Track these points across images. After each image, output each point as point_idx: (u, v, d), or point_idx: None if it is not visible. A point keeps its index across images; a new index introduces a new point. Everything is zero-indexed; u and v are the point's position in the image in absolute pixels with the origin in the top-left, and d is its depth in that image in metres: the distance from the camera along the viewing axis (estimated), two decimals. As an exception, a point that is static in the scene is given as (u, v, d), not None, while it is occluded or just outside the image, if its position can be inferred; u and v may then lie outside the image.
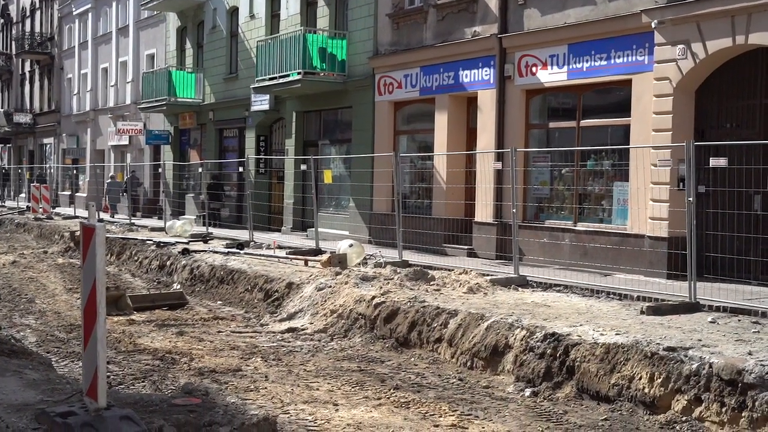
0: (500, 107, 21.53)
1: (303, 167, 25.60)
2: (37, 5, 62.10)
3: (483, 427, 9.34)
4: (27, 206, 44.03)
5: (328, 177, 24.71)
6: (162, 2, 38.15)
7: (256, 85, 30.04)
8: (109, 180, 42.30)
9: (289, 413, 9.67)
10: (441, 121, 23.52)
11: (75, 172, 48.40)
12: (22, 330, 14.85)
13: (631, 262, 17.36)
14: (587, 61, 19.32)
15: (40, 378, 7.90)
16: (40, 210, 39.67)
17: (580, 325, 11.78)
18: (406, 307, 13.96)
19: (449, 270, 17.69)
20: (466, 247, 21.67)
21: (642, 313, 12.88)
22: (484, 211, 21.51)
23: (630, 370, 10.17)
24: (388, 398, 10.41)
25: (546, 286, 16.09)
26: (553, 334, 11.31)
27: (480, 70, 22.13)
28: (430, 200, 23.54)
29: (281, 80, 28.32)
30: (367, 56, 26.45)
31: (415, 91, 24.55)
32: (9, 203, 51.69)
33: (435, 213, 23.00)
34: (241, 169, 30.18)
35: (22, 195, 52.13)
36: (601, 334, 11.05)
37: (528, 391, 10.80)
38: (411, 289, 15.36)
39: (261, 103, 31.88)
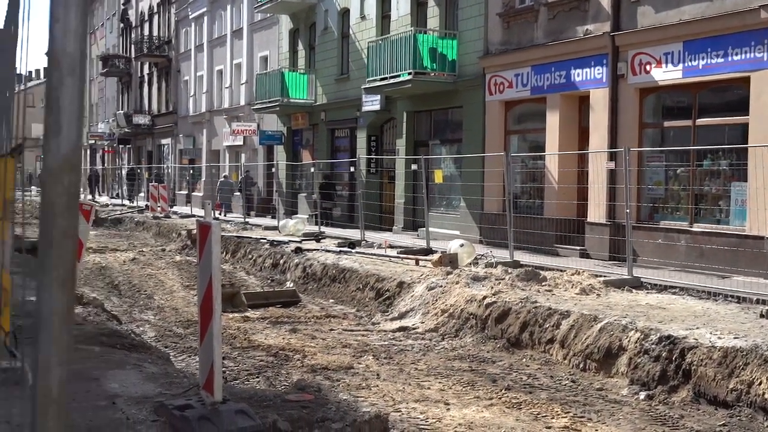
0: (613, 106, 21.18)
1: (414, 167, 25.62)
2: (155, 10, 63.66)
3: (596, 430, 9.18)
4: (146, 205, 45.16)
5: (438, 177, 24.67)
6: (275, 5, 38.66)
7: (367, 85, 30.20)
8: (222, 179, 43.11)
9: (400, 411, 9.67)
10: (552, 121, 23.26)
11: (191, 171, 49.45)
12: (142, 325, 15.23)
13: (750, 265, 16.86)
14: (703, 59, 18.84)
15: (158, 371, 8.06)
16: (159, 209, 40.63)
17: (697, 328, 11.48)
18: (518, 308, 13.84)
19: (561, 271, 17.48)
20: (578, 247, 21.38)
21: (762, 316, 12.49)
22: (596, 212, 21.19)
23: (749, 374, 9.86)
24: (500, 398, 10.33)
25: (661, 288, 15.76)
26: (668, 337, 11.05)
27: (592, 68, 21.80)
28: (542, 200, 23.30)
29: (392, 80, 28.40)
30: (477, 56, 26.32)
31: (526, 91, 24.33)
32: (128, 202, 53.12)
33: (546, 213, 22.76)
34: (352, 169, 30.39)
35: (141, 194, 53.48)
36: (719, 338, 10.75)
37: (643, 395, 10.58)
38: (522, 289, 15.22)
39: (372, 104, 32.04)
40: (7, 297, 1.72)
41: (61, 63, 1.38)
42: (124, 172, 63.49)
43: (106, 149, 75.84)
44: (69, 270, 1.36)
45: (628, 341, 11.49)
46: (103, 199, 59.10)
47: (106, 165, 76.10)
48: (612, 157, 19.68)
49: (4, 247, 1.84)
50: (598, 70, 21.60)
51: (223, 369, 9.04)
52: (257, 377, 11.18)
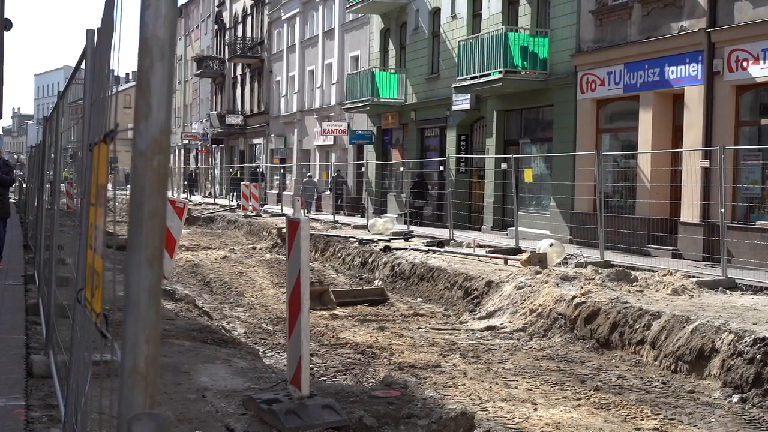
0: (708, 104, 20.78)
1: (503, 166, 25.51)
2: (249, 11, 64.50)
3: (687, 432, 9.04)
4: (238, 204, 45.79)
5: (528, 176, 24.52)
6: (366, 5, 38.86)
7: (458, 84, 30.16)
8: (306, 179, 43.51)
9: (487, 410, 9.66)
10: (645, 119, 22.92)
11: (282, 171, 49.98)
12: (232, 321, 15.47)
13: None
14: (803, 55, 18.37)
15: (247, 366, 8.19)
16: (250, 207, 41.16)
17: (793, 330, 11.21)
18: (608, 308, 13.69)
19: (653, 271, 17.23)
20: (670, 248, 21.04)
21: None
22: (690, 211, 20.82)
23: None
24: (588, 399, 10.24)
25: (756, 290, 15.41)
26: (763, 339, 10.81)
27: (687, 65, 21.42)
28: (634, 199, 22.97)
29: (482, 79, 28.31)
30: (569, 54, 26.08)
31: (619, 89, 24.02)
32: (220, 201, 53.91)
33: (638, 213, 22.44)
34: (441, 168, 30.37)
35: (234, 193, 54.22)
36: (817, 340, 10.48)
37: (736, 398, 10.37)
38: (613, 289, 15.05)
39: (462, 103, 31.99)
40: (99, 280, 1.79)
41: (152, 47, 1.43)
42: (216, 171, 64.46)
43: (199, 149, 77.12)
44: (157, 248, 1.41)
45: (722, 343, 11.28)
46: (196, 198, 60.09)
47: (199, 164, 77.37)
48: (707, 155, 19.32)
49: (96, 232, 1.91)
50: (693, 67, 21.22)
51: (311, 365, 9.14)
52: (344, 374, 11.27)
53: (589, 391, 10.61)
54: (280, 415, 5.99)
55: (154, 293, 1.40)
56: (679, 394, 10.69)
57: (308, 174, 44.75)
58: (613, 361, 12.55)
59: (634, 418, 9.53)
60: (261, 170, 51.02)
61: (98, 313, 1.83)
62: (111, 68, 2.66)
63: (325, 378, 10.90)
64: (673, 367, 11.83)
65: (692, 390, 10.86)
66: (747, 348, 10.84)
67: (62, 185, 12.30)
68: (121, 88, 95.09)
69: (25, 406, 6.34)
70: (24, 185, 33.36)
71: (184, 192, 65.06)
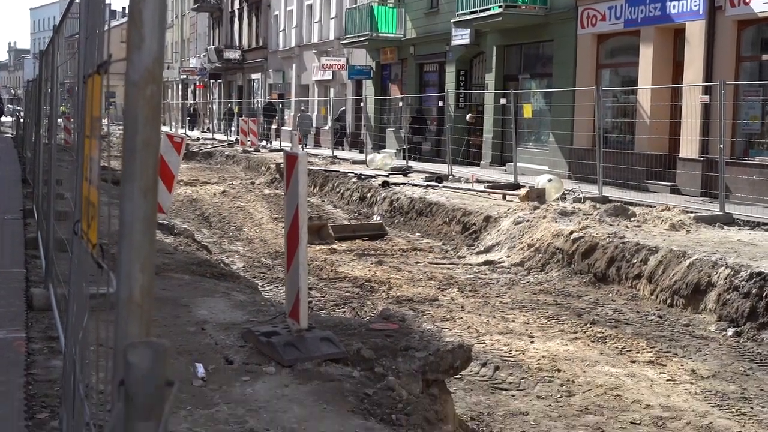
0: (709, 39, 20.62)
1: (503, 101, 25.40)
2: (246, -56, 63.70)
3: (682, 365, 9.14)
4: (236, 139, 45.66)
5: (527, 111, 24.41)
6: (365, -63, 38.39)
7: (457, 19, 29.89)
8: (301, 113, 43.35)
9: (484, 343, 9.75)
10: (646, 54, 22.77)
11: (281, 106, 49.74)
12: (231, 256, 15.53)
13: None
14: (806, -11, 18.18)
15: (246, 300, 8.24)
16: (248, 143, 41.04)
17: (789, 264, 11.27)
18: (605, 243, 13.73)
19: (651, 207, 17.25)
20: (669, 183, 21.04)
21: None
22: (689, 147, 20.79)
23: (842, 312, 9.67)
24: (584, 332, 10.33)
25: (753, 225, 15.45)
26: (759, 274, 10.86)
27: (688, 0, 21.21)
28: (633, 135, 22.92)
29: (482, 14, 28.05)
30: (569, -13, 25.82)
31: (620, 24, 23.82)
32: (219, 136, 53.73)
33: (637, 148, 22.40)
34: (440, 104, 30.25)
35: (232, 128, 54.03)
36: (812, 275, 10.54)
37: (731, 331, 10.46)
38: (610, 224, 15.09)
39: (461, 38, 31.73)
40: (95, 211, 1.79)
41: (142, -23, 1.42)
42: (215, 107, 64.16)
43: (197, 84, 76.68)
44: (151, 179, 1.41)
45: (718, 277, 11.34)
46: (195, 133, 59.91)
47: (197, 100, 77.00)
48: (707, 91, 19.23)
49: (91, 164, 1.91)
50: (695, 1, 21.01)
51: (309, 299, 9.20)
52: (343, 307, 11.36)
53: (586, 324, 10.70)
54: (279, 348, 6.04)
55: (148, 223, 1.40)
56: (675, 327, 10.78)
57: (301, 108, 44.54)
58: (610, 295, 12.63)
59: (630, 351, 9.62)
60: (273, 104, 49.62)
61: (94, 244, 1.84)
62: (106, 2, 2.65)
63: (323, 311, 10.98)
64: (669, 301, 11.91)
65: (688, 324, 10.95)
66: (743, 282, 10.90)
67: (59, 120, 12.25)
68: (117, 23, 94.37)
69: (26, 338, 6.39)
70: (21, 120, 33.19)
71: (184, 126, 64.80)
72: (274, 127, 47.01)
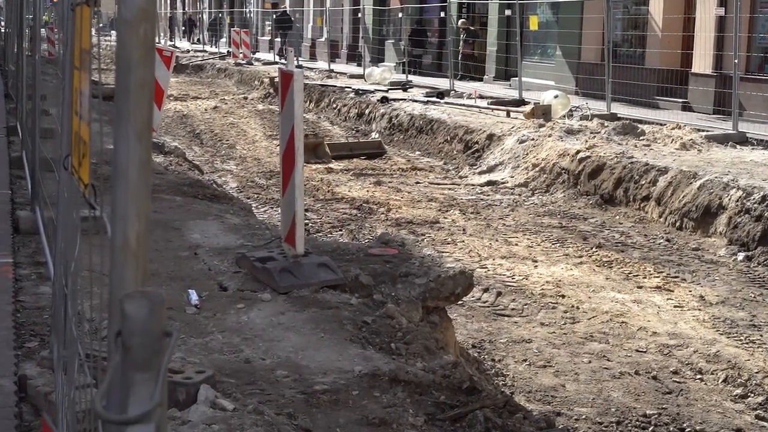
0: (726, -53, 20.33)
1: (507, 12, 25.15)
2: None
3: (690, 290, 9.22)
4: (228, 51, 45.26)
5: (533, 23, 24.18)
6: None
7: (460, -76, 29.43)
8: (281, 14, 42.77)
9: (486, 267, 9.83)
10: (659, -37, 22.46)
11: (274, 16, 49.19)
12: (224, 175, 15.54)
13: None
14: None
15: (240, 223, 8.26)
16: (241, 55, 40.68)
17: (804, 186, 11.28)
18: (613, 163, 13.73)
19: (661, 124, 17.20)
20: (680, 100, 20.94)
21: None
22: (702, 62, 20.64)
23: None
24: (590, 257, 10.40)
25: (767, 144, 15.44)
26: (772, 196, 10.88)
27: None
28: (643, 49, 22.72)
29: None
30: None
31: (632, -70, 23.47)
32: (209, 48, 53.27)
33: (648, 63, 22.24)
34: (442, 14, 29.93)
35: (223, 40, 53.52)
36: (827, 198, 10.56)
37: (741, 255, 10.51)
38: (618, 143, 15.07)
39: (465, -56, 31.28)
40: (86, 149, 1.78)
41: None
42: (205, 16, 63.45)
43: (186, -9, 75.72)
44: (146, 121, 1.41)
45: (729, 200, 11.36)
46: (185, 44, 59.38)
47: (187, 9, 76.10)
48: (722, 2, 19.01)
49: (81, 98, 1.90)
50: None
51: (306, 221, 9.23)
52: (340, 230, 11.41)
53: (591, 248, 10.76)
54: (275, 274, 6.08)
55: (143, 168, 1.40)
56: (684, 251, 10.84)
57: (282, 8, 43.86)
58: (617, 217, 12.67)
59: (637, 276, 9.69)
60: (288, 15, 47.70)
61: (86, 183, 1.84)
62: None
63: (320, 234, 11.03)
64: (678, 224, 11.96)
65: (697, 248, 11.00)
66: (755, 205, 10.92)
67: (42, 30, 12.12)
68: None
69: (13, 263, 6.42)
70: (2, 30, 32.93)
71: (173, 38, 64.17)
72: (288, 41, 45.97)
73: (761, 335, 7.98)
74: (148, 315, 1.33)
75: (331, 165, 16.63)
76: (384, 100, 23.16)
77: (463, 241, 10.97)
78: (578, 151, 14.51)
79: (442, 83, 26.80)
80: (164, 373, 1.36)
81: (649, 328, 8.03)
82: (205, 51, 51.27)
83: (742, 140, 15.69)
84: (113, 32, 56.90)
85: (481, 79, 29.26)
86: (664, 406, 6.48)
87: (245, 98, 29.06)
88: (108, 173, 1.60)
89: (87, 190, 1.89)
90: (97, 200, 1.88)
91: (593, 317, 8.31)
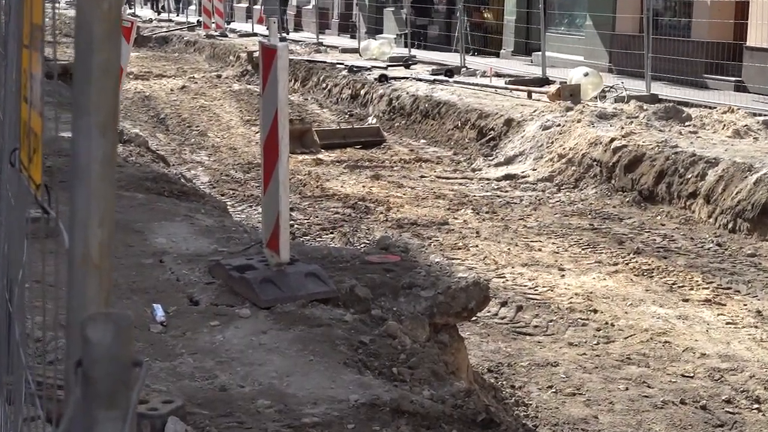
0: None
1: (528, -25, 25.15)
2: None
3: (745, 304, 9.22)
4: (198, 21, 45.22)
5: (559, -12, 24.18)
6: None
7: None
8: None
9: (504, 277, 9.83)
10: None
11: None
12: (194, 168, 15.54)
13: None
14: None
15: (213, 224, 8.25)
16: (213, 26, 40.59)
17: None
18: (654, 153, 13.74)
19: (710, 108, 17.20)
20: (733, 78, 20.95)
21: None
22: (758, 33, 20.64)
23: None
24: (627, 264, 10.40)
25: (836, 131, 15.44)
26: (842, 193, 10.89)
27: None
28: (690, 18, 22.74)
29: None
30: None
31: None
32: (176, 18, 53.22)
33: (695, 35, 22.25)
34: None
35: (192, 7, 53.47)
36: None
37: (805, 263, 10.52)
38: (660, 130, 15.07)
39: None
40: (38, 142, 1.77)
41: None
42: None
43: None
44: (110, 112, 1.40)
45: (791, 197, 11.37)
46: (147, 13, 59.35)
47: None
48: (782, -37, 19.04)
49: (32, 82, 1.88)
50: None
51: (291, 222, 9.23)
52: (331, 233, 11.42)
53: (629, 254, 10.76)
54: (255, 285, 6.08)
55: (107, 167, 1.40)
56: (737, 258, 10.84)
57: None
58: (658, 218, 12.67)
59: (682, 287, 9.69)
60: None
61: (38, 184, 1.84)
62: None
63: (307, 238, 11.03)
64: (730, 225, 11.96)
65: (753, 253, 11.00)
66: (821, 203, 10.93)
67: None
68: None
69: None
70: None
71: (134, 5, 64.11)
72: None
73: (829, 357, 7.98)
74: (113, 341, 1.33)
75: (320, 156, 16.62)
76: (382, 78, 23.13)
77: (477, 246, 10.97)
78: (612, 140, 14.51)
79: (451, 59, 26.79)
80: (133, 410, 1.36)
81: (696, 349, 8.03)
82: (171, 21, 51.22)
83: (805, 126, 15.70)
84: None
85: (497, 55, 29.27)
86: (714, 442, 6.49)
87: (218, 76, 29.02)
88: (61, 166, 1.59)
89: (39, 192, 1.88)
90: (51, 204, 1.88)
91: (631, 336, 8.31)
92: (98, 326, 1.33)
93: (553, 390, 7.31)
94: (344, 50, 31.33)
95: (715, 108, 16.99)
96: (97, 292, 1.41)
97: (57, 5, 34.71)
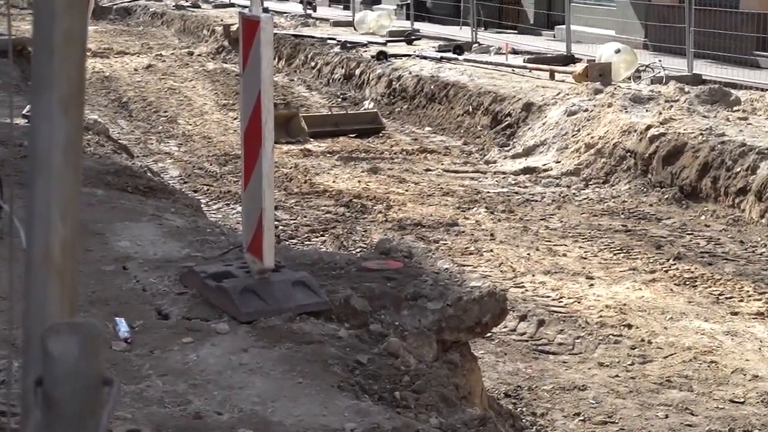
0: None
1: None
2: None
3: (804, 319, 9.21)
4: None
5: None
6: None
7: None
8: None
9: (523, 287, 9.82)
10: None
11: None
12: (161, 160, 15.53)
13: None
14: None
15: (185, 225, 8.24)
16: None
17: None
18: (696, 143, 13.73)
19: (762, 90, 17.21)
20: (788, 56, 20.98)
21: None
22: (818, 4, 20.68)
23: None
24: (666, 272, 10.40)
25: None
26: None
27: None
28: (738, -14, 22.77)
29: None
30: None
31: None
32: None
33: (744, 6, 22.25)
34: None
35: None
36: None
37: None
38: (704, 116, 15.06)
39: None
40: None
41: None
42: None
43: None
44: (75, 88, 1.40)
45: None
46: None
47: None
48: None
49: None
50: None
51: (276, 223, 9.23)
52: (322, 235, 11.41)
53: (668, 260, 10.75)
54: (234, 295, 6.06)
55: (71, 151, 1.39)
56: (794, 265, 10.85)
57: None
58: (702, 217, 12.67)
59: (731, 298, 9.69)
60: None
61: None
62: None
63: (295, 241, 11.03)
64: (786, 227, 11.98)
65: (812, 259, 11.02)
66: None
67: None
68: None
69: None
70: None
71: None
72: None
73: None
74: (80, 356, 1.32)
75: (308, 146, 16.62)
76: (381, 56, 23.12)
77: (492, 251, 10.96)
78: (648, 127, 14.51)
79: (461, 34, 26.79)
80: (103, 436, 1.35)
81: (747, 370, 8.02)
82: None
83: None
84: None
85: (514, 29, 29.27)
86: (769, 478, 6.49)
87: (190, 54, 29.02)
88: (11, 156, 1.58)
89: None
90: (3, 197, 1.87)
91: (671, 355, 8.31)
92: (61, 338, 1.32)
93: (581, 418, 7.30)
94: (336, 23, 31.34)
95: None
96: (59, 299, 1.39)
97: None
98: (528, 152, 16.01)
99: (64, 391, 1.35)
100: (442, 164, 15.73)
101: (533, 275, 10.20)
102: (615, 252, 11.09)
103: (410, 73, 21.32)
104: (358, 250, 10.39)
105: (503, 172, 15.15)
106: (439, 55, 23.03)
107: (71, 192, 1.41)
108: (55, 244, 1.41)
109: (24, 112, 9.18)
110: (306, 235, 11.43)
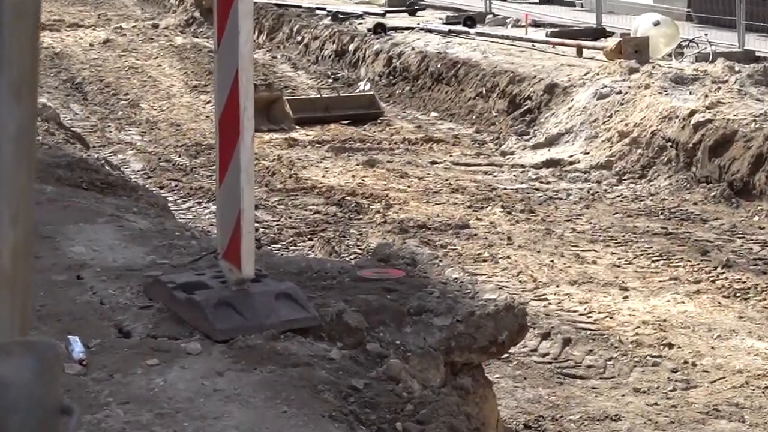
0: None
1: None
2: None
3: None
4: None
5: None
6: None
7: None
8: None
9: (546, 300, 9.83)
10: None
11: None
12: (122, 151, 15.52)
13: None
14: None
15: (150, 227, 8.25)
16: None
17: None
18: (749, 131, 13.74)
19: (825, 69, 17.23)
20: None
21: None
22: None
23: None
24: (713, 282, 10.40)
25: None
26: None
27: None
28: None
29: None
30: None
31: None
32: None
33: (804, -30, 22.30)
34: None
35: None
36: None
37: None
38: (758, 99, 15.07)
39: None
40: None
41: None
42: None
43: None
44: (27, 70, 1.41)
45: None
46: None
47: None
48: None
49: None
50: None
51: (257, 225, 9.23)
52: (311, 239, 11.42)
53: (715, 268, 10.76)
54: (207, 310, 6.06)
55: (24, 143, 1.40)
56: None
57: None
58: (756, 218, 12.67)
59: (788, 313, 9.71)
60: None
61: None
62: None
63: (278, 246, 11.03)
64: None
65: None
66: None
67: None
68: None
69: None
70: None
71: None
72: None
73: None
74: (34, 380, 1.32)
75: (294, 134, 16.61)
76: (379, 29, 23.12)
77: (509, 258, 10.97)
78: (692, 112, 14.51)
79: (473, 3, 26.80)
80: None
81: (808, 397, 8.04)
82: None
83: None
84: None
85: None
86: None
87: (155, 27, 28.99)
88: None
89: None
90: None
91: (719, 379, 8.32)
92: (13, 360, 1.32)
93: (614, 453, 7.32)
94: (326, -10, 31.36)
95: (833, 69, 17.02)
96: (9, 314, 1.40)
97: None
98: (551, 142, 16.01)
99: (16, 421, 1.36)
100: (451, 156, 15.73)
101: (557, 286, 10.20)
102: (653, 259, 11.10)
103: (413, 49, 21.32)
104: (352, 256, 10.40)
105: (522, 165, 15.16)
106: (447, 28, 23.03)
107: (23, 190, 1.41)
108: (4, 251, 1.41)
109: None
110: (291, 239, 11.44)
